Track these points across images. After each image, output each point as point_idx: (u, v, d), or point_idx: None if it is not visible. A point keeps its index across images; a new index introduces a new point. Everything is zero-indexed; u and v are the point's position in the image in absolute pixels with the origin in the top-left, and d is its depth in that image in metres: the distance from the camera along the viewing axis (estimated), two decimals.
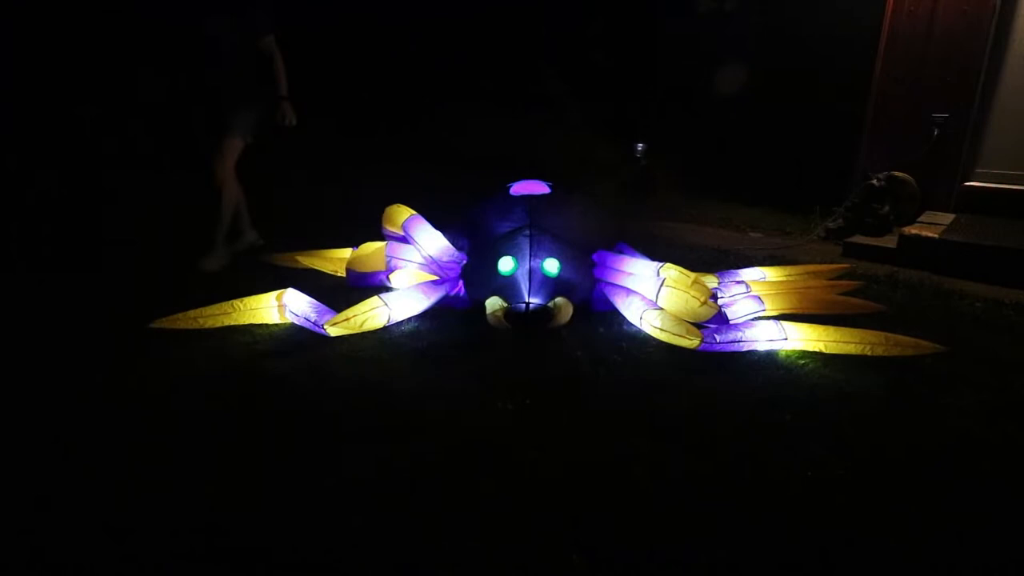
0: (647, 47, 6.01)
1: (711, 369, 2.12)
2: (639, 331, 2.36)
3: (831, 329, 2.19)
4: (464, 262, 2.67)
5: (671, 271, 2.38)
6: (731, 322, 2.35)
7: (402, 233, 2.78)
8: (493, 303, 2.42)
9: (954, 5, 3.79)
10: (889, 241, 3.61)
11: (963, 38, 3.79)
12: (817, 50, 4.76)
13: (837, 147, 4.41)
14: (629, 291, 2.44)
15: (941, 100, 3.89)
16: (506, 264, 2.47)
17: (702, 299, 2.26)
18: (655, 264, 2.48)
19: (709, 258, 3.42)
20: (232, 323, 2.37)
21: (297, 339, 2.33)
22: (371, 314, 2.32)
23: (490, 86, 6.22)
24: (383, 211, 2.94)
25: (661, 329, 2.22)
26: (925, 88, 3.94)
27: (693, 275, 2.36)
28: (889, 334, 2.16)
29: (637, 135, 5.32)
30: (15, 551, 1.35)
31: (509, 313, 2.37)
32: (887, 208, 3.80)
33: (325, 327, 2.27)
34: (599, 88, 6.12)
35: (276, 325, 2.43)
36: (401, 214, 2.82)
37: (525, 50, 6.33)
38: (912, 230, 3.49)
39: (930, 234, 3.40)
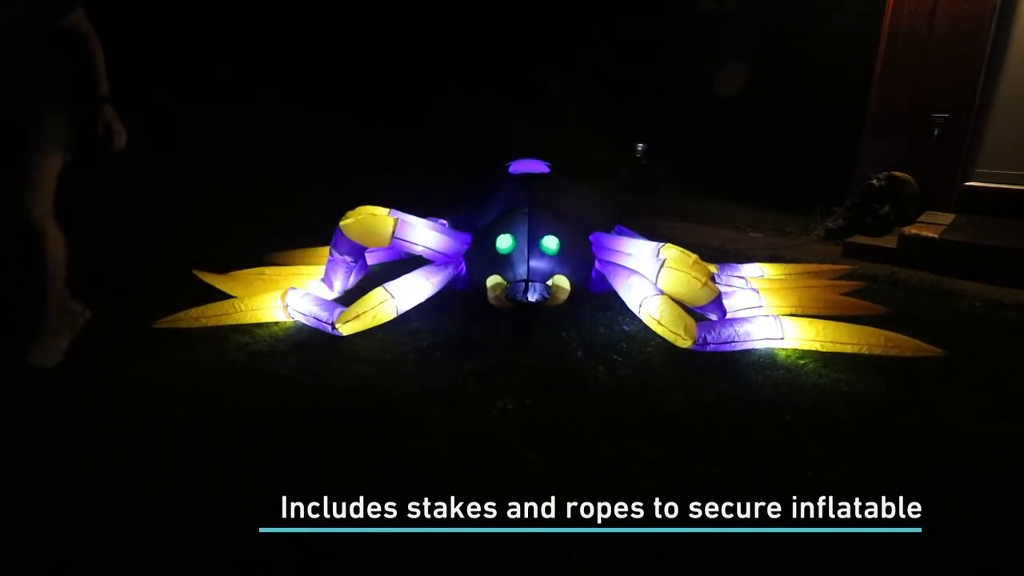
0: (647, 46, 6.02)
1: (711, 369, 2.12)
2: (639, 331, 2.36)
3: (829, 328, 2.19)
4: (468, 243, 2.66)
5: (671, 251, 2.35)
6: (728, 316, 2.34)
7: (387, 246, 2.56)
8: (493, 281, 2.43)
9: (954, 4, 3.78)
10: (889, 241, 3.61)
11: (963, 38, 3.79)
12: (817, 49, 4.77)
13: (837, 147, 4.41)
14: (629, 272, 2.42)
15: (941, 100, 3.88)
16: (504, 242, 2.47)
17: (703, 280, 2.23)
18: (655, 244, 2.44)
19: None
20: (233, 323, 2.38)
21: (297, 339, 2.33)
22: (380, 308, 2.31)
23: (490, 84, 6.22)
24: (343, 222, 2.47)
25: (659, 322, 2.21)
26: (925, 88, 3.93)
27: (694, 256, 2.33)
28: (888, 334, 2.16)
29: (637, 135, 5.32)
30: (14, 552, 1.35)
31: (509, 292, 2.37)
32: (887, 208, 3.80)
33: (336, 326, 2.26)
34: (599, 87, 6.12)
35: (276, 325, 2.43)
36: (384, 225, 2.49)
37: (526, 48, 6.33)
38: (912, 230, 3.49)
39: (930, 234, 3.40)
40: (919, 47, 3.92)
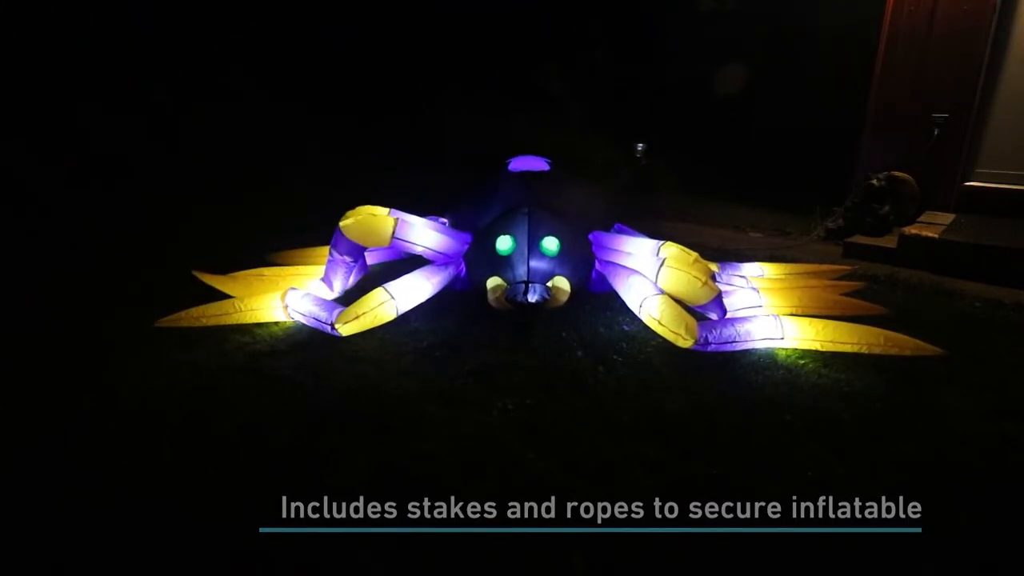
0: (647, 46, 6.02)
1: (711, 369, 2.12)
2: (639, 331, 2.35)
3: (829, 327, 2.19)
4: (469, 242, 2.65)
5: (672, 249, 2.34)
6: (728, 315, 2.34)
7: (387, 246, 2.54)
8: (493, 282, 2.42)
9: (954, 4, 3.78)
10: (889, 241, 3.61)
11: (963, 38, 3.79)
12: (817, 49, 4.77)
13: (837, 147, 4.41)
14: (629, 272, 2.40)
15: (941, 100, 3.89)
16: (504, 243, 2.46)
17: (703, 279, 2.22)
18: (655, 242, 2.43)
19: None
20: (233, 323, 2.38)
21: (297, 339, 2.33)
22: (380, 308, 2.31)
23: (490, 83, 6.22)
24: (342, 223, 2.46)
25: (659, 322, 2.19)
26: (925, 88, 3.93)
27: (694, 254, 2.32)
28: (888, 333, 2.16)
29: (637, 135, 5.32)
30: (13, 551, 1.35)
31: (509, 294, 2.36)
32: (887, 208, 3.80)
33: (336, 327, 2.26)
34: (599, 87, 6.12)
35: (276, 325, 2.43)
36: (384, 225, 2.49)
37: (526, 48, 6.33)
38: (912, 230, 3.49)
39: (930, 234, 3.40)
40: (919, 47, 3.92)
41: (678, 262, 2.26)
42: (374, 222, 2.49)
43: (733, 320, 2.27)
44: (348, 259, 2.58)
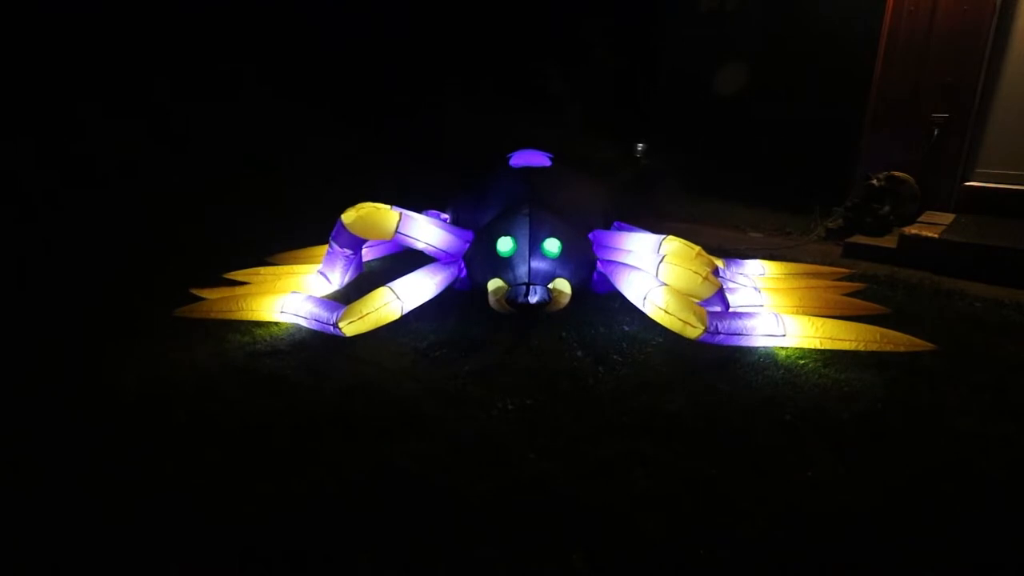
0: (648, 46, 6.02)
1: (711, 369, 2.11)
2: (639, 331, 2.35)
3: (828, 325, 2.19)
4: (470, 240, 2.64)
5: (673, 243, 2.32)
6: (731, 310, 2.33)
7: (390, 239, 2.55)
8: (494, 285, 2.41)
9: (954, 5, 3.78)
10: (889, 241, 3.61)
11: (963, 38, 3.79)
12: (817, 49, 4.77)
13: (837, 147, 4.41)
14: (631, 269, 2.39)
15: (941, 100, 3.89)
16: (505, 244, 2.45)
17: (704, 274, 2.20)
18: (657, 238, 2.41)
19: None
20: (240, 319, 2.40)
21: (297, 339, 2.33)
22: (385, 308, 2.31)
23: (490, 83, 6.22)
24: (346, 217, 2.50)
25: (666, 311, 2.16)
26: (925, 88, 3.93)
27: (696, 248, 2.30)
28: (884, 330, 2.17)
29: (637, 135, 5.31)
30: (13, 551, 1.35)
31: (510, 296, 2.36)
32: (887, 208, 3.80)
33: (340, 327, 2.25)
34: (599, 87, 6.12)
35: (276, 325, 2.43)
36: (388, 219, 2.54)
37: (526, 48, 6.33)
38: (912, 230, 3.49)
39: (930, 234, 3.40)
40: (919, 47, 3.92)
41: (678, 258, 2.25)
42: (378, 215, 2.51)
43: (740, 313, 2.26)
44: (348, 252, 2.59)
